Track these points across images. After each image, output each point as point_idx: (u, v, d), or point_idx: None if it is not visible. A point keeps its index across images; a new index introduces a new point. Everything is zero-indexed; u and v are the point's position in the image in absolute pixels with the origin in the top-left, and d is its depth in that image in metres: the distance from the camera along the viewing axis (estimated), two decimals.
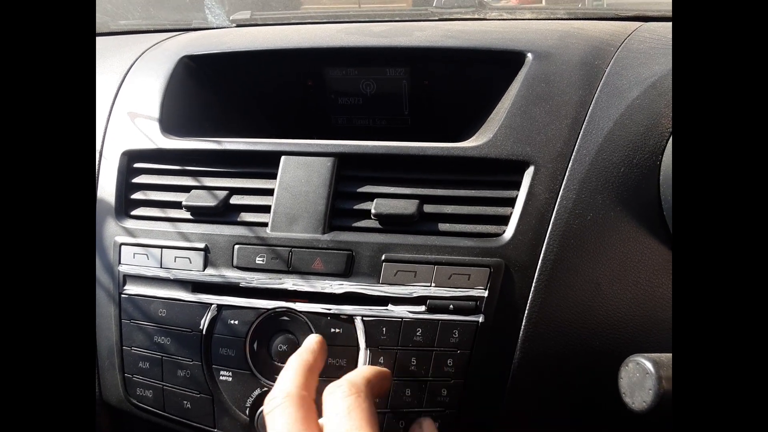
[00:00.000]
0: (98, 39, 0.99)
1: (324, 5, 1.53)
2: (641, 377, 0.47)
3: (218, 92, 0.85)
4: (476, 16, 0.98)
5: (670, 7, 1.00)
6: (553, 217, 0.61)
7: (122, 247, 0.68)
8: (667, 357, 0.48)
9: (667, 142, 0.63)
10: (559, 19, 0.91)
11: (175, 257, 0.66)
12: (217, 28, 1.04)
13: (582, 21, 0.88)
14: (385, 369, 0.59)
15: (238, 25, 1.05)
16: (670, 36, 0.74)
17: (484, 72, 0.78)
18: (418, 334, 0.60)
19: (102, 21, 1.20)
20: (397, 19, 0.99)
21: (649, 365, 0.46)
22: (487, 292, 0.60)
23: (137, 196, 0.71)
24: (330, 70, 0.83)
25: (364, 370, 0.57)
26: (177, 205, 0.68)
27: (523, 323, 0.60)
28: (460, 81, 0.81)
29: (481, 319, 0.59)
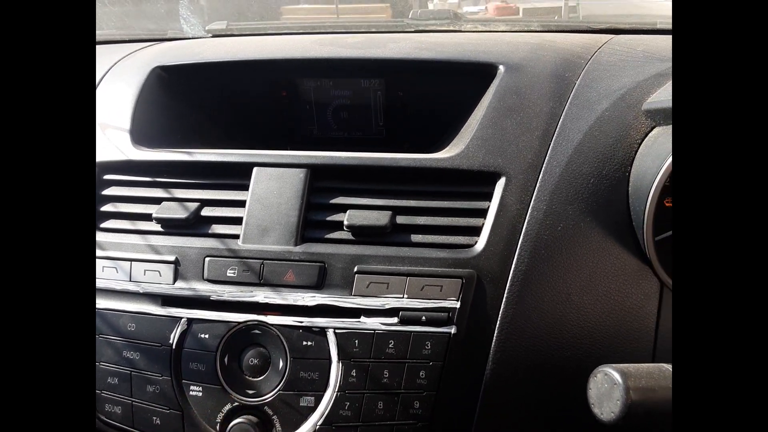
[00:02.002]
0: None
1: (301, 16, 1.53)
2: (609, 388, 0.47)
3: (191, 103, 0.84)
4: (451, 28, 0.99)
5: (642, 20, 1.02)
6: (524, 228, 0.61)
7: None
8: (635, 367, 0.48)
9: (635, 154, 0.64)
10: (532, 32, 0.92)
11: (145, 270, 0.65)
12: (192, 39, 1.03)
13: (555, 33, 0.89)
14: None
15: (214, 36, 1.04)
16: (640, 48, 0.76)
17: (457, 84, 0.78)
18: (390, 346, 0.60)
19: None
20: (373, 30, 1.00)
21: (617, 376, 0.47)
22: (459, 303, 0.60)
23: (107, 208, 0.70)
24: (304, 80, 0.83)
25: None
26: (147, 217, 0.68)
27: (495, 334, 0.60)
28: (434, 92, 0.81)
29: (453, 330, 0.59)
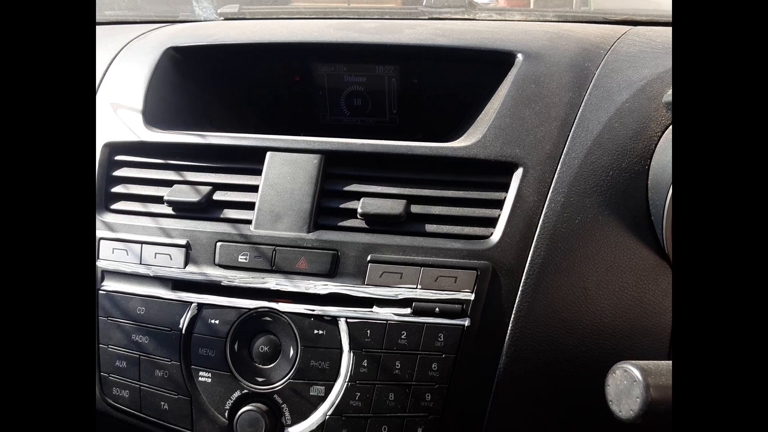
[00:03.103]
0: None
1: (313, 2, 1.51)
2: (629, 385, 0.46)
3: (204, 86, 0.83)
4: (466, 16, 0.97)
5: (658, 12, 1.01)
6: (541, 219, 0.60)
7: (101, 241, 0.66)
8: (655, 364, 0.47)
9: (655, 147, 0.62)
10: (548, 22, 0.91)
11: (156, 253, 0.64)
12: (204, 21, 1.02)
13: (571, 24, 0.87)
14: None
15: (226, 19, 1.03)
16: (659, 40, 0.74)
17: (473, 72, 0.77)
18: (402, 337, 0.59)
19: None
20: (386, 17, 0.98)
21: (636, 373, 0.46)
22: (473, 295, 0.59)
23: (118, 189, 0.69)
24: (318, 65, 0.82)
25: None
26: (159, 199, 0.67)
27: (510, 327, 0.59)
28: (449, 81, 0.80)
29: (467, 322, 0.59)
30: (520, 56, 0.70)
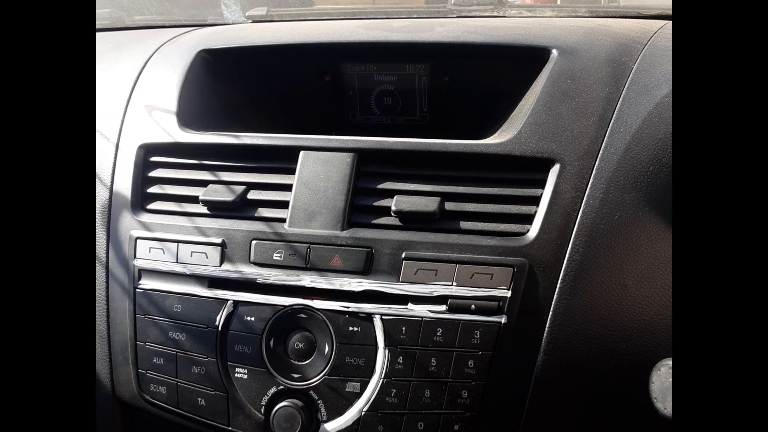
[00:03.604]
0: (114, 34, 0.98)
1: (339, 3, 1.52)
2: None
3: (235, 87, 0.84)
4: (495, 14, 0.96)
5: None
6: (579, 216, 0.59)
7: (138, 241, 0.67)
8: None
9: None
10: (581, 17, 0.89)
11: (192, 252, 0.65)
12: (233, 24, 1.03)
13: (605, 19, 0.86)
14: None
15: (254, 21, 1.04)
16: None
17: (504, 69, 0.76)
18: (438, 334, 0.59)
19: (117, 16, 1.19)
20: (414, 16, 0.98)
21: None
22: (510, 292, 0.58)
23: (154, 189, 0.70)
24: (348, 65, 0.82)
25: None
26: (194, 199, 0.67)
27: (547, 325, 0.58)
28: (480, 78, 0.79)
29: (503, 320, 0.58)
30: (555, 52, 0.69)
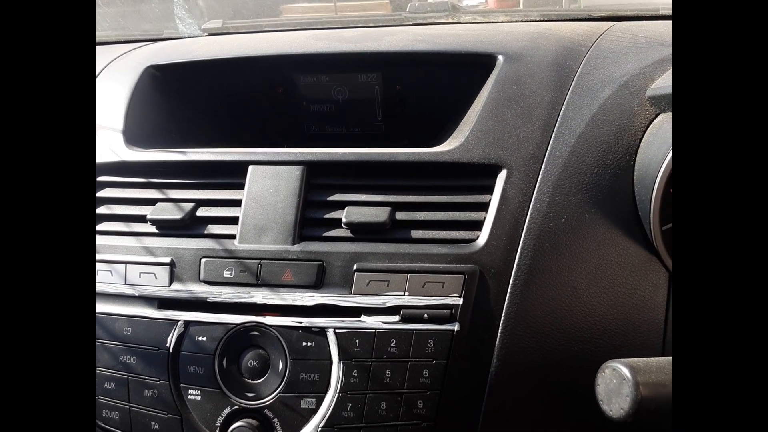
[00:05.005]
0: None
1: (299, 14, 1.51)
2: (618, 383, 0.45)
3: (186, 102, 0.83)
4: (449, 20, 0.97)
5: (644, 6, 1.00)
6: (527, 220, 0.59)
7: None
8: (644, 362, 0.46)
9: (640, 142, 0.62)
10: (532, 21, 0.90)
11: (140, 273, 0.64)
12: (188, 38, 1.02)
13: (555, 22, 0.87)
14: None
15: (210, 34, 1.03)
16: (643, 34, 0.74)
17: (456, 76, 0.76)
18: (392, 345, 0.58)
19: None
20: (370, 25, 0.98)
21: (625, 371, 0.45)
22: (461, 299, 0.58)
23: (102, 210, 0.69)
24: (301, 77, 0.82)
25: None
26: (142, 218, 0.66)
27: (500, 330, 0.58)
28: (433, 86, 0.79)
29: (456, 327, 0.58)
30: (500, 58, 0.69)
